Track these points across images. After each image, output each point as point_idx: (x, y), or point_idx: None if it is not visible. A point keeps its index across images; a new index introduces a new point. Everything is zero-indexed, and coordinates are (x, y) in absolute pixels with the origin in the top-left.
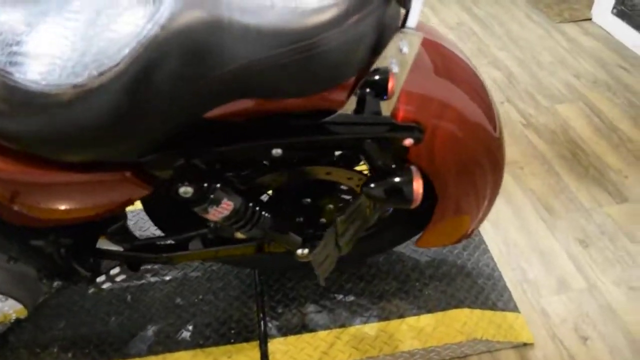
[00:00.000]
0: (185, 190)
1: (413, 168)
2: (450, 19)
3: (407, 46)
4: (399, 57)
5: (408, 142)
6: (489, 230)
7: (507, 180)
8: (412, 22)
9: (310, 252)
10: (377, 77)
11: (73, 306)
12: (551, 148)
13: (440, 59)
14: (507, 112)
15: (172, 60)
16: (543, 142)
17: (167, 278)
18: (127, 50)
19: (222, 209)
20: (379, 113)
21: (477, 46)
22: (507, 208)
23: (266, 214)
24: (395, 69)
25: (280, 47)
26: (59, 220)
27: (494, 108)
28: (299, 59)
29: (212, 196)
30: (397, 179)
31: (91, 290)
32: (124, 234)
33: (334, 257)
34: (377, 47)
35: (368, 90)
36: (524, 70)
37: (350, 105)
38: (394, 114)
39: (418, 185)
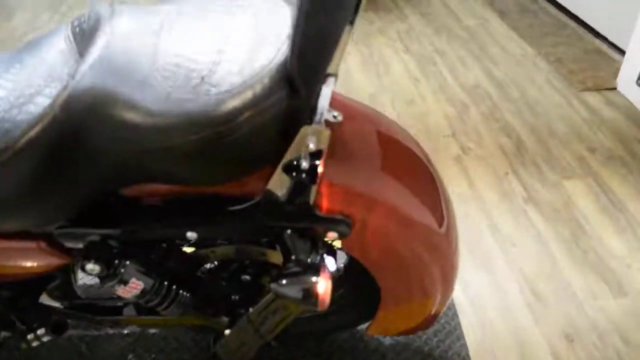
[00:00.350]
0: (92, 267)
1: (325, 269)
2: (467, 81)
3: (314, 142)
4: (307, 152)
5: (332, 235)
6: (467, 311)
7: (497, 256)
8: (318, 118)
9: None
10: (299, 165)
11: (27, 353)
12: (550, 226)
13: (377, 147)
14: (510, 183)
15: (67, 142)
16: (542, 219)
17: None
18: (26, 129)
19: (130, 288)
20: (305, 203)
21: (489, 110)
22: (491, 288)
23: (186, 293)
24: (304, 164)
25: (170, 140)
26: None
27: (441, 201)
28: (192, 151)
29: (120, 273)
30: (303, 280)
31: (23, 346)
32: (65, 291)
33: (254, 345)
34: (285, 140)
35: (291, 178)
36: (535, 139)
37: (274, 191)
38: (317, 205)
39: (324, 290)
